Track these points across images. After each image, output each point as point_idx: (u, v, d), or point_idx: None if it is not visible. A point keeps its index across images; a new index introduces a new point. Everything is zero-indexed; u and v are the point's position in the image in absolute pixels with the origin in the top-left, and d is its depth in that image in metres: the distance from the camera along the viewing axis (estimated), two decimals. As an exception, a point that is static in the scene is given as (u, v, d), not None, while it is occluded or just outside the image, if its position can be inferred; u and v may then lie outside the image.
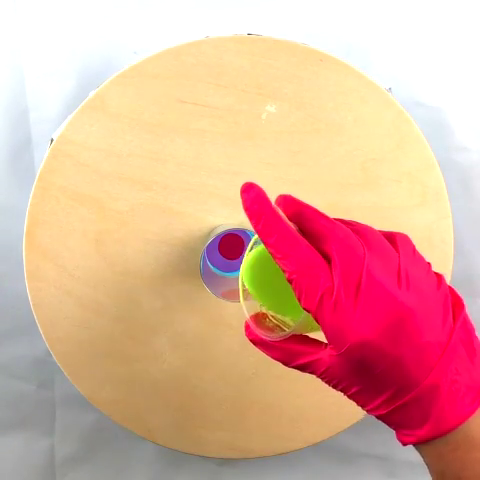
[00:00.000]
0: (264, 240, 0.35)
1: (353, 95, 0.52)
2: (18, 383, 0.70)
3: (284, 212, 0.36)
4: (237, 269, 0.56)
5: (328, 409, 0.56)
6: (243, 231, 0.54)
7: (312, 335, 0.37)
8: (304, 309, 0.34)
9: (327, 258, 0.34)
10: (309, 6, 0.64)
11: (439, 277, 0.36)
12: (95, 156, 0.52)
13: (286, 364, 0.37)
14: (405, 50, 0.65)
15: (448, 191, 0.54)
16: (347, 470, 0.73)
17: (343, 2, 0.64)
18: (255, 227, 0.35)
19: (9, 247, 0.65)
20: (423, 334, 0.32)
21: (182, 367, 0.56)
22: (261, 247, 0.39)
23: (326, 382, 0.35)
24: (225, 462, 0.72)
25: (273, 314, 0.40)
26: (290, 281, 0.34)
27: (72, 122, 0.51)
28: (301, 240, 0.34)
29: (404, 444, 0.35)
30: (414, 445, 0.34)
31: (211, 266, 0.56)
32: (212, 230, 0.53)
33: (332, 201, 0.54)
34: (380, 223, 0.54)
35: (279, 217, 0.34)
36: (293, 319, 0.39)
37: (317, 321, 0.34)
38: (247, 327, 0.39)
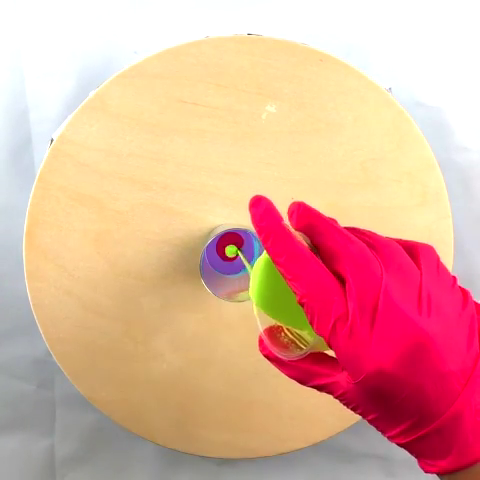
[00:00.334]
0: (274, 259, 0.33)
1: (353, 95, 0.52)
2: (18, 383, 0.70)
3: (296, 223, 0.34)
4: (236, 270, 0.56)
5: (328, 409, 0.56)
6: (243, 231, 0.54)
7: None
8: (318, 334, 0.32)
9: (341, 278, 0.32)
10: (309, 6, 0.64)
11: (465, 294, 0.34)
12: (95, 156, 0.52)
13: (302, 383, 0.35)
14: (405, 50, 0.65)
15: (448, 191, 0.54)
16: (347, 470, 0.73)
17: (343, 2, 0.64)
18: (264, 244, 0.33)
19: (9, 247, 0.65)
20: (445, 362, 0.30)
21: (182, 367, 0.56)
22: (265, 258, 0.37)
23: (344, 404, 0.34)
24: (225, 462, 0.71)
25: (289, 328, 0.37)
26: (301, 304, 0.32)
27: (72, 122, 0.51)
28: (313, 260, 0.32)
29: (426, 472, 0.33)
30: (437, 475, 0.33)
31: (211, 267, 0.56)
32: (212, 230, 0.53)
33: (332, 201, 0.54)
34: (380, 223, 0.54)
35: (289, 235, 0.32)
36: (311, 333, 0.36)
37: (330, 347, 0.32)
38: (261, 342, 0.37)
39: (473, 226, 0.67)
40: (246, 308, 0.54)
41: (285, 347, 0.36)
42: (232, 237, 0.55)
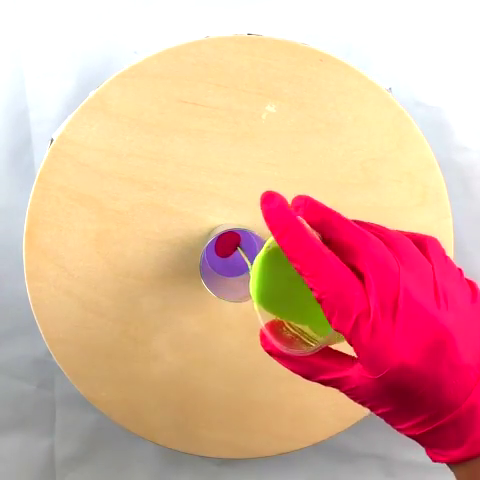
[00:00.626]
0: (290, 256, 0.32)
1: (353, 95, 0.52)
2: (18, 383, 0.70)
3: (306, 218, 0.34)
4: (236, 272, 0.56)
5: (328, 409, 0.56)
6: (243, 231, 0.54)
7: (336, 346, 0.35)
8: (335, 330, 0.32)
9: (358, 274, 0.32)
10: (309, 6, 0.64)
11: (472, 286, 0.34)
12: (95, 156, 0.52)
13: (307, 378, 0.35)
14: (405, 50, 0.65)
15: (448, 191, 0.54)
16: (347, 470, 0.73)
17: (343, 2, 0.64)
18: (279, 241, 0.32)
19: (9, 247, 0.65)
20: (462, 356, 0.31)
21: (182, 367, 0.56)
22: (265, 254, 0.36)
23: (351, 398, 0.34)
24: (225, 462, 0.72)
25: (291, 323, 0.37)
26: (319, 301, 0.31)
27: (72, 122, 0.51)
28: (331, 256, 0.32)
29: (434, 461, 0.33)
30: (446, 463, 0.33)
31: (210, 267, 0.56)
32: (212, 230, 0.53)
33: (332, 201, 0.53)
34: (380, 223, 0.54)
35: (306, 231, 0.32)
36: (314, 328, 0.36)
37: (350, 343, 0.32)
38: (262, 337, 0.36)
39: (473, 226, 0.67)
40: (246, 308, 0.54)
41: (289, 342, 0.36)
42: (232, 237, 0.55)
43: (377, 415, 0.34)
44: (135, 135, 0.51)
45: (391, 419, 0.33)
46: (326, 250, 0.32)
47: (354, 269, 0.32)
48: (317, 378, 0.34)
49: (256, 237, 0.52)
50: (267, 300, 0.37)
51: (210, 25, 0.63)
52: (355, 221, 0.35)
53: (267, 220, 0.33)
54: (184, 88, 0.51)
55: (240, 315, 0.55)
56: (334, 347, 0.35)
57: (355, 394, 0.33)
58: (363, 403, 0.33)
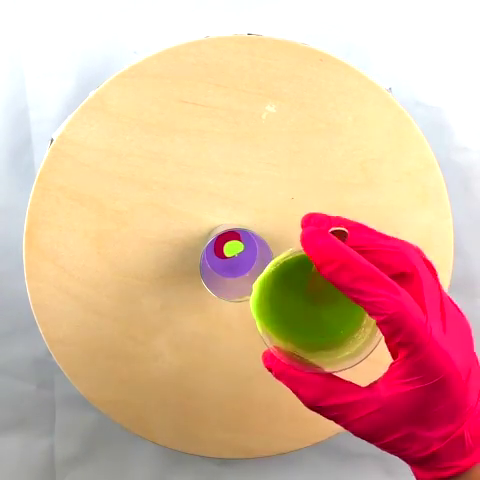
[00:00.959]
0: (344, 284, 0.32)
1: (353, 95, 0.52)
2: (18, 383, 0.70)
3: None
4: (236, 274, 0.56)
5: (328, 409, 0.56)
6: (243, 231, 0.54)
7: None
8: (401, 348, 0.32)
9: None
10: (309, 6, 0.63)
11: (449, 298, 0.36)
12: (95, 156, 0.51)
13: (314, 403, 0.34)
14: (405, 50, 0.65)
15: (448, 191, 0.54)
16: (347, 470, 0.73)
17: (343, 2, 0.64)
18: (333, 275, 0.32)
19: (9, 247, 0.65)
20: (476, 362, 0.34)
21: (182, 367, 0.56)
22: (270, 273, 0.35)
23: (355, 429, 0.33)
24: (225, 462, 0.71)
25: (300, 353, 0.36)
26: (384, 322, 0.32)
27: (72, 122, 0.51)
28: (390, 280, 0.32)
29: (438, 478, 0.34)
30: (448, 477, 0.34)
31: (210, 268, 0.56)
32: (212, 230, 0.53)
33: (332, 201, 0.54)
34: (380, 223, 0.54)
35: (358, 255, 0.32)
36: (306, 349, 0.36)
37: (402, 356, 0.32)
38: (268, 358, 0.35)
39: (473, 226, 0.67)
40: (246, 308, 0.54)
41: (300, 363, 0.35)
42: (232, 237, 0.55)
43: (384, 445, 0.34)
44: (135, 135, 0.51)
45: (405, 443, 0.34)
46: (383, 274, 0.32)
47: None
48: (326, 402, 0.34)
49: (256, 237, 0.52)
50: (270, 319, 0.36)
51: (210, 25, 0.63)
52: (356, 224, 0.36)
53: (316, 256, 0.32)
54: (184, 88, 0.51)
55: (240, 315, 0.55)
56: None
57: (365, 422, 0.33)
58: (369, 433, 0.33)
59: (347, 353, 0.35)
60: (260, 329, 0.35)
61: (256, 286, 0.35)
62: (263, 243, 0.50)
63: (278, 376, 0.35)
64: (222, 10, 0.63)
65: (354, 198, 0.54)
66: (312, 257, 0.32)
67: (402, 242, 0.35)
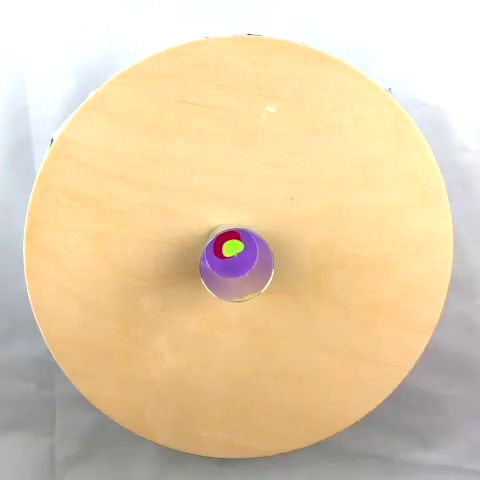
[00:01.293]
0: None
1: (353, 95, 0.52)
2: (18, 383, 0.70)
3: None
4: (236, 273, 0.56)
5: (328, 409, 0.56)
6: (243, 231, 0.54)
7: None
8: None
9: None
10: (309, 7, 0.64)
11: None
12: (95, 156, 0.52)
13: None
14: (405, 50, 0.65)
15: (448, 191, 0.54)
16: (347, 470, 0.73)
17: (343, 2, 0.64)
18: None
19: (9, 247, 0.65)
20: None
21: (182, 367, 0.56)
22: None
23: None
24: (225, 462, 0.72)
25: None
26: None
27: (72, 122, 0.51)
28: None
29: None
30: None
31: (210, 268, 0.56)
32: (212, 230, 0.53)
33: (332, 201, 0.54)
34: (380, 223, 0.54)
35: None
36: None
37: None
38: None
39: (473, 226, 0.67)
40: (246, 308, 0.54)
41: None
42: (231, 237, 0.55)
43: None
44: (135, 135, 0.51)
45: None
46: None
47: None
48: None
49: (256, 237, 0.52)
50: None
51: (210, 25, 0.63)
52: None
53: None
54: (184, 88, 0.51)
55: (240, 315, 0.55)
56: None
57: None
58: None
59: None
60: None
61: None
62: (263, 243, 0.50)
63: None
64: (222, 10, 0.63)
65: (354, 198, 0.54)
66: None
67: None
